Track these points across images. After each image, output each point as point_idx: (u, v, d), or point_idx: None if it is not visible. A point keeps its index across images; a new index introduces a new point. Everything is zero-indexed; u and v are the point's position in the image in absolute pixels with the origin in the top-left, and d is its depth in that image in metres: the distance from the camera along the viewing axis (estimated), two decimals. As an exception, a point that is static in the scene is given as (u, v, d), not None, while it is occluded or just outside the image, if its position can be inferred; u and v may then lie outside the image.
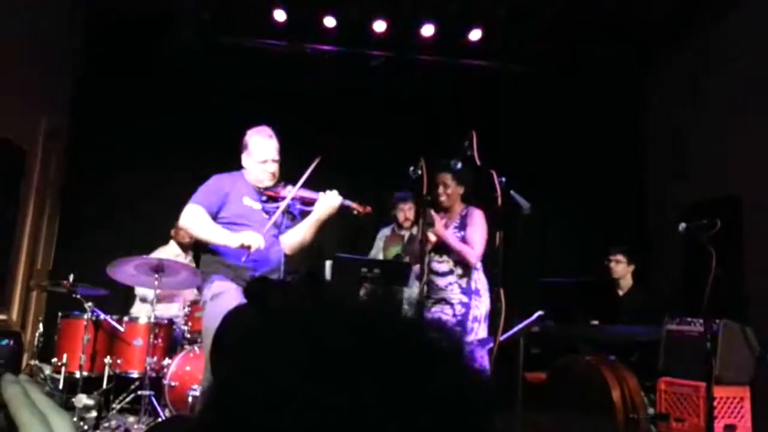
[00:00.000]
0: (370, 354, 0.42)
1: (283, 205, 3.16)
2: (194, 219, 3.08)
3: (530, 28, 6.04)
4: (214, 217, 3.13)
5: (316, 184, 3.26)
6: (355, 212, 3.23)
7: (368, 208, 3.28)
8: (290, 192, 3.19)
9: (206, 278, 3.17)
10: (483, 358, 3.45)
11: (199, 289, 4.49)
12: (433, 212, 3.69)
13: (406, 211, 4.82)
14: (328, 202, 3.16)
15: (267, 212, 3.19)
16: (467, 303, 3.67)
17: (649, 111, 6.78)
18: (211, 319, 2.98)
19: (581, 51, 6.25)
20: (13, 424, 0.48)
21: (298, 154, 3.29)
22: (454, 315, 3.67)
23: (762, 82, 5.14)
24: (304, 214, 3.26)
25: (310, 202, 3.21)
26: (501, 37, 6.12)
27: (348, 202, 3.23)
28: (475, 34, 6.09)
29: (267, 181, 3.23)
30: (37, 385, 0.52)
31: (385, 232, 5.00)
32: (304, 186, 3.23)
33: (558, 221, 6.39)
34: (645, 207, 6.63)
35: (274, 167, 3.23)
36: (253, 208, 3.19)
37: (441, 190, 3.78)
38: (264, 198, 3.24)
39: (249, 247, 2.97)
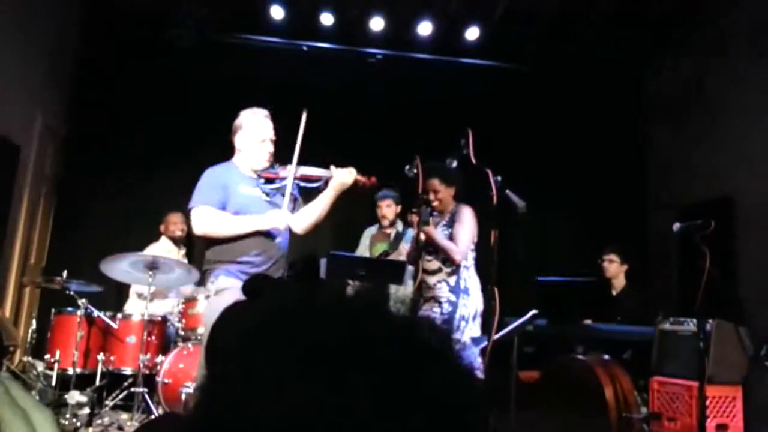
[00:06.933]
0: (362, 352, 0.43)
1: (289, 183, 3.06)
2: (210, 220, 2.95)
3: (528, 27, 6.05)
4: None
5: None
6: (360, 184, 3.17)
7: (373, 179, 3.23)
8: (291, 171, 3.08)
9: (211, 272, 3.04)
10: (475, 357, 3.45)
11: (197, 284, 4.48)
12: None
13: (383, 209, 4.86)
14: (343, 179, 3.10)
15: (268, 195, 3.09)
16: (455, 302, 3.65)
17: (647, 111, 6.79)
18: (213, 313, 2.88)
19: (580, 50, 6.26)
20: None
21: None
22: (442, 313, 3.66)
23: (760, 83, 5.16)
24: (301, 190, 3.18)
25: (314, 179, 3.13)
26: (498, 35, 6.12)
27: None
28: (473, 33, 6.10)
29: (264, 162, 3.12)
30: (18, 382, 0.52)
31: (372, 230, 5.05)
32: (302, 160, 3.13)
33: (555, 221, 6.40)
34: (643, 207, 6.65)
35: (272, 147, 3.15)
36: (253, 195, 3.07)
37: (432, 196, 3.73)
38: (261, 181, 3.12)
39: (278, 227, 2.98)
